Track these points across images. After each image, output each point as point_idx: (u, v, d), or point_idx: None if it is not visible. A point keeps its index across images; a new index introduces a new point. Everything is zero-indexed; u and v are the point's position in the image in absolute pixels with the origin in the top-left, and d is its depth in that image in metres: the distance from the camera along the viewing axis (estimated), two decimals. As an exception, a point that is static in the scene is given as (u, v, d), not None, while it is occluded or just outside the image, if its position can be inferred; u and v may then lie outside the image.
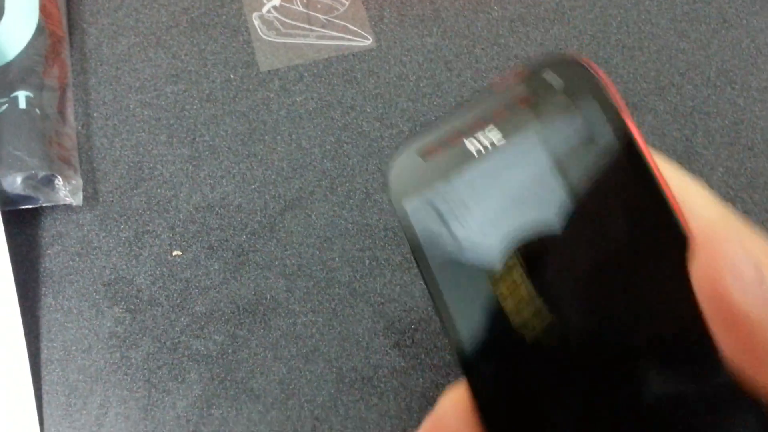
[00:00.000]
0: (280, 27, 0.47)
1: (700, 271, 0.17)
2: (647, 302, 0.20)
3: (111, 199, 0.41)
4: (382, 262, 0.40)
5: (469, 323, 0.22)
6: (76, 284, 0.39)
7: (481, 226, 0.22)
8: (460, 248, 0.22)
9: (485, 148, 0.22)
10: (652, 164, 0.20)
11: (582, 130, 0.21)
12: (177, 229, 0.41)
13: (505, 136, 0.21)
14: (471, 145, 0.22)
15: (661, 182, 0.19)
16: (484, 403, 0.21)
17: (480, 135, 0.22)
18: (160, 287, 0.39)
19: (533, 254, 0.21)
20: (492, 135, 0.22)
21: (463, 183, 0.22)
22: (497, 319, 0.21)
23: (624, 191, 0.20)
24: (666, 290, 0.19)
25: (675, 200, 0.19)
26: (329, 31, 0.47)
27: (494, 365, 0.21)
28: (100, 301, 0.39)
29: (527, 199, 0.21)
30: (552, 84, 0.21)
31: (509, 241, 0.21)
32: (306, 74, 0.45)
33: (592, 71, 0.20)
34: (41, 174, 0.40)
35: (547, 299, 0.21)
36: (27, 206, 0.40)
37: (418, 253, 0.22)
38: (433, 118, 0.44)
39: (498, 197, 0.22)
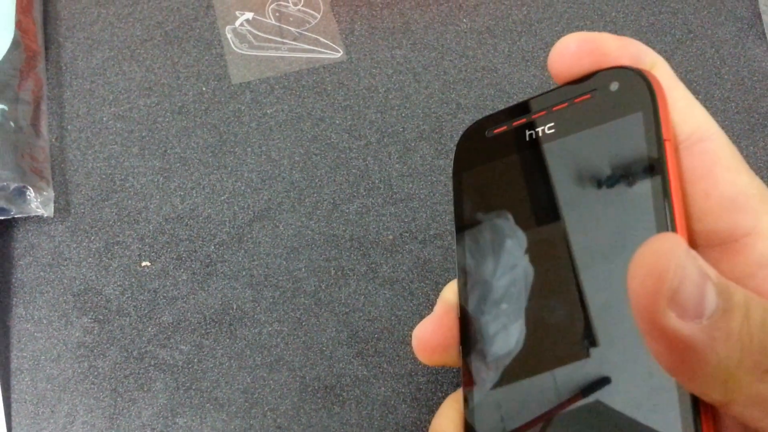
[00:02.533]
0: (253, 40, 0.48)
1: (635, 292, 0.17)
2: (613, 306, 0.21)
3: (82, 210, 0.42)
4: (348, 272, 0.40)
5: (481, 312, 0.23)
6: (46, 294, 0.40)
7: (512, 205, 0.24)
8: (490, 221, 0.24)
9: (537, 135, 0.24)
10: (671, 183, 0.21)
11: (622, 137, 0.22)
12: (146, 240, 0.41)
13: (555, 127, 0.23)
14: (528, 130, 0.24)
15: (674, 200, 0.20)
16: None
17: (537, 123, 0.24)
18: (128, 297, 0.40)
19: (543, 239, 0.23)
20: (546, 124, 0.24)
21: (509, 162, 0.24)
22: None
23: (636, 200, 0.21)
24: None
25: (681, 216, 0.20)
26: (301, 44, 0.48)
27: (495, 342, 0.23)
28: (70, 311, 0.40)
29: (551, 188, 0.23)
30: (609, 88, 0.22)
31: (529, 224, 0.23)
32: (277, 86, 0.46)
33: (649, 84, 0.22)
34: (13, 186, 0.40)
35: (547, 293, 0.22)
36: (-1, 218, 0.41)
37: (457, 217, 0.25)
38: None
39: (531, 181, 0.24)
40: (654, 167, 0.21)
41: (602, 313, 0.21)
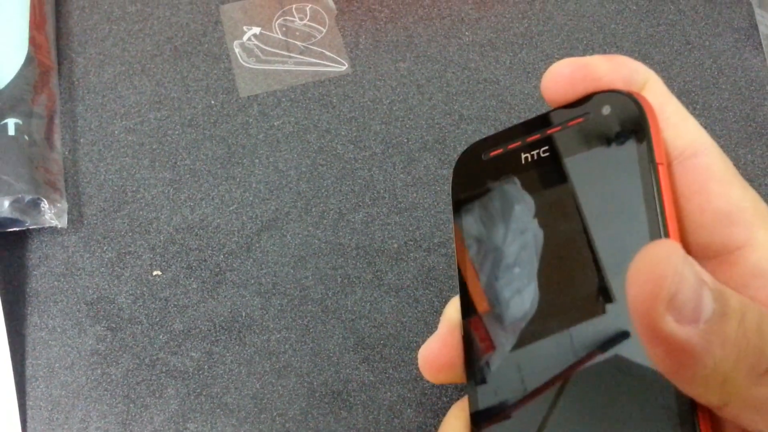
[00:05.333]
0: (260, 54, 0.49)
1: (634, 297, 0.17)
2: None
3: (95, 221, 0.43)
4: (354, 279, 0.41)
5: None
6: (60, 304, 0.41)
7: (508, 227, 0.24)
8: (490, 243, 0.25)
9: (531, 157, 0.24)
10: (665, 206, 0.21)
11: (615, 161, 0.22)
12: (158, 250, 0.42)
13: (549, 150, 0.24)
14: (523, 153, 0.25)
15: (668, 221, 0.21)
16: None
17: (532, 146, 0.24)
18: (140, 306, 0.41)
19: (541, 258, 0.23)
20: (540, 147, 0.24)
21: (505, 184, 0.25)
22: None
23: (631, 222, 0.22)
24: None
25: (675, 235, 0.21)
26: (307, 58, 0.49)
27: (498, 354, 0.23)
28: (83, 319, 0.41)
29: (547, 211, 0.24)
30: (602, 112, 0.23)
31: (525, 245, 0.24)
32: (284, 99, 0.47)
33: (640, 108, 0.22)
34: (28, 198, 0.41)
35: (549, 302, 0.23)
36: (14, 229, 0.42)
37: (457, 234, 0.26)
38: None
39: (527, 202, 0.24)
40: (647, 191, 0.21)
41: (597, 339, 0.21)
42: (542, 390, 0.22)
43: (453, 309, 0.25)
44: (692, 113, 0.46)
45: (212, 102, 0.47)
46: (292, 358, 0.39)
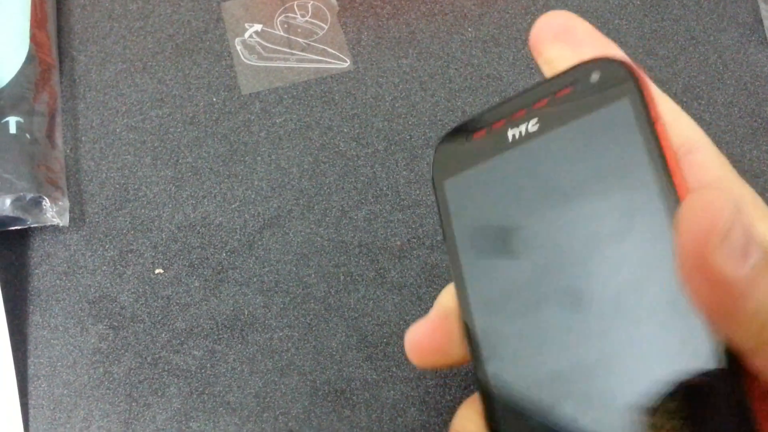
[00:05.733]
0: (262, 51, 0.49)
1: (686, 230, 0.18)
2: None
3: (97, 219, 0.43)
4: (357, 277, 0.41)
5: (485, 301, 0.24)
6: (62, 302, 0.41)
7: (504, 207, 0.24)
8: (486, 227, 0.24)
9: (520, 134, 0.23)
10: (669, 162, 0.20)
11: (610, 125, 0.22)
12: (159, 248, 0.42)
13: (538, 124, 0.23)
14: (510, 130, 0.23)
15: (675, 177, 0.20)
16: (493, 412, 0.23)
17: (518, 122, 0.23)
18: (142, 304, 0.41)
19: (543, 234, 0.23)
20: (529, 123, 0.23)
21: (496, 165, 0.24)
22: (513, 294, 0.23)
23: (636, 183, 0.21)
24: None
25: (685, 192, 0.20)
26: (309, 55, 0.49)
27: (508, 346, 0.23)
28: (85, 318, 0.40)
29: (544, 186, 0.23)
30: (590, 80, 0.22)
31: (525, 223, 0.23)
32: (286, 96, 0.47)
33: (631, 71, 0.22)
34: (29, 196, 0.41)
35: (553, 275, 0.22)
36: (16, 227, 0.42)
37: (446, 228, 0.25)
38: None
39: (522, 181, 0.23)
40: (648, 149, 0.21)
41: (614, 302, 0.21)
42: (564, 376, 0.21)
43: (447, 295, 0.25)
44: (697, 109, 0.46)
45: (214, 99, 0.47)
46: (295, 357, 0.39)
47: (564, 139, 0.23)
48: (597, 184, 0.22)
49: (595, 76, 0.22)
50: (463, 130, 0.25)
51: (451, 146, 0.25)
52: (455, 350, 0.24)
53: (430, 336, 0.24)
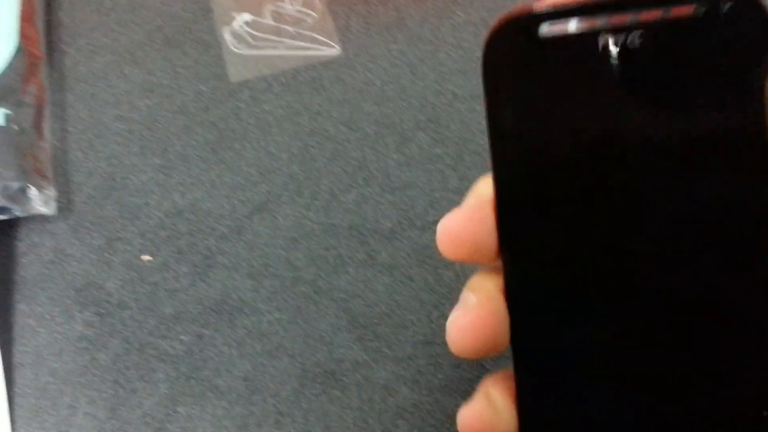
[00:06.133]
0: (251, 40, 0.48)
1: None
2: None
3: (84, 208, 0.43)
4: (347, 259, 0.40)
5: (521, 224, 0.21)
6: (48, 291, 0.40)
7: (570, 124, 0.20)
8: (538, 146, 0.20)
9: (614, 45, 0.19)
10: None
11: (722, 58, 0.19)
12: (148, 236, 0.42)
13: (642, 41, 0.19)
14: (602, 36, 0.19)
15: None
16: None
17: (617, 31, 0.19)
18: (129, 291, 0.40)
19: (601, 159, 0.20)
20: (630, 34, 0.19)
21: (571, 75, 0.20)
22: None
23: (730, 120, 0.18)
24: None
25: None
26: (298, 42, 0.48)
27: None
28: (72, 305, 0.40)
29: (630, 112, 0.19)
30: (722, 8, 0.18)
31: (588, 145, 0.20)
32: (275, 84, 0.46)
33: (762, 9, 0.18)
34: (16, 185, 0.41)
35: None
36: (2, 217, 0.41)
37: (493, 131, 0.21)
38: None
39: (601, 100, 0.20)
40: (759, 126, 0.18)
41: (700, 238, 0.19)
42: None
43: (485, 185, 0.22)
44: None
45: (203, 88, 0.47)
46: (284, 339, 0.38)
47: (664, 73, 0.19)
48: (707, 137, 0.19)
49: (727, 6, 0.18)
50: (536, 18, 0.20)
51: (515, 37, 0.20)
52: (488, 242, 0.22)
53: (465, 226, 0.22)
